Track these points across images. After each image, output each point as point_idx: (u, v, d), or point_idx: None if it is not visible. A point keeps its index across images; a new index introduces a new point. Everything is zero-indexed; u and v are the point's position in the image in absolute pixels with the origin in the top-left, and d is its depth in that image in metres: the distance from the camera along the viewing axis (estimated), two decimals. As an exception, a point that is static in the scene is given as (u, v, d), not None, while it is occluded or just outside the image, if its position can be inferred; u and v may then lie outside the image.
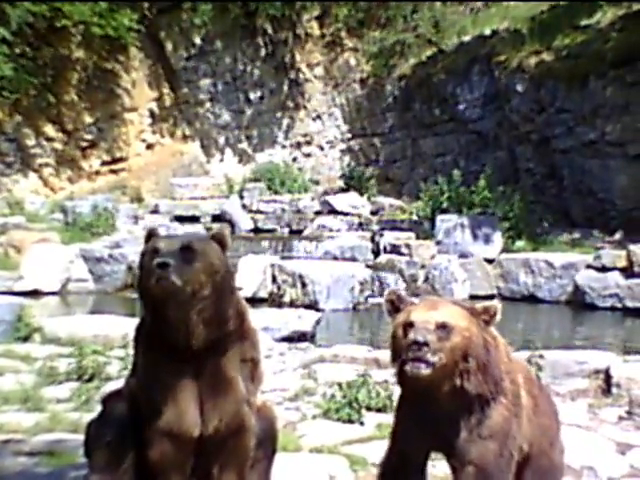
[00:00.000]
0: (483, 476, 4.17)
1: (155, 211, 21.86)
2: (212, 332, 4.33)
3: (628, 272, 15.58)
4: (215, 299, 4.31)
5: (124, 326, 9.73)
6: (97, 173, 23.91)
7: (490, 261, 17.29)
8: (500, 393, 4.20)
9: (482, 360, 4.10)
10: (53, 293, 16.73)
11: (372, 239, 19.24)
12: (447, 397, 4.14)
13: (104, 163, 24.00)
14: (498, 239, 17.70)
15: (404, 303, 4.26)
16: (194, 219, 21.71)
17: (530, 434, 4.43)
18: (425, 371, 3.95)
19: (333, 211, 22.15)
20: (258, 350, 4.71)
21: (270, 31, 25.53)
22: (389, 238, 18.63)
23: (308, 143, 26.35)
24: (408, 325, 4.06)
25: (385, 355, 4.91)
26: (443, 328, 4.02)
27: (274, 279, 16.12)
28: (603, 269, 15.87)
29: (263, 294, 16.02)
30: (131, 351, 4.75)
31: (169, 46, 25.01)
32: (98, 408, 4.86)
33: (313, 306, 14.85)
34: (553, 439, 4.67)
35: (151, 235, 4.48)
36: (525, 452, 4.47)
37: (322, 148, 26.39)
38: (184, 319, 4.24)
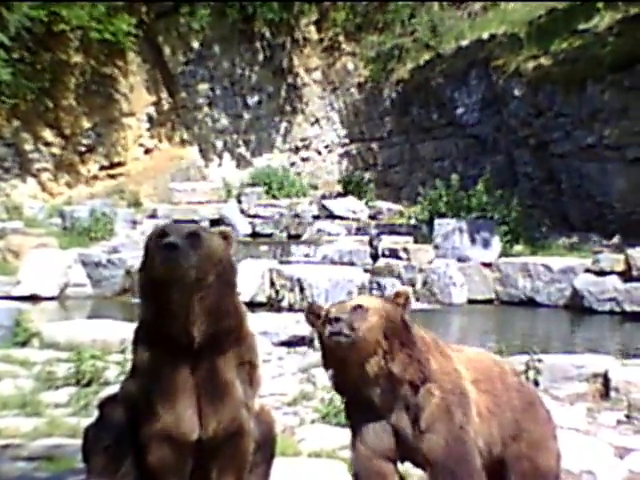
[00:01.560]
0: (438, 471, 4.22)
1: (153, 216, 21.85)
2: (211, 324, 4.33)
3: (626, 276, 15.57)
4: (217, 289, 4.33)
5: (122, 331, 9.73)
6: (95, 178, 23.91)
7: (488, 265, 17.28)
8: (429, 381, 4.29)
9: (403, 338, 4.28)
10: (51, 298, 16.70)
11: (370, 243, 19.23)
12: (380, 388, 4.26)
13: (102, 168, 24.00)
14: (496, 243, 17.69)
15: (319, 310, 4.48)
16: (192, 223, 21.67)
17: (489, 432, 4.42)
18: (344, 340, 4.18)
19: (331, 215, 22.16)
20: (256, 354, 4.71)
21: (268, 35, 25.56)
22: (387, 242, 18.63)
23: (306, 147, 26.37)
24: (328, 320, 4.28)
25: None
26: (359, 308, 4.25)
27: (272, 283, 16.11)
28: (601, 273, 15.86)
29: (261, 298, 16.00)
30: (129, 356, 4.74)
31: (167, 51, 25.03)
32: (96, 413, 4.86)
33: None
34: (536, 442, 4.63)
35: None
36: (495, 455, 4.46)
37: (320, 152, 26.41)
38: (186, 305, 4.24)
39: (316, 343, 11.74)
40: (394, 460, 4.41)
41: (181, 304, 4.25)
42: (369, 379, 4.25)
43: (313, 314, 4.49)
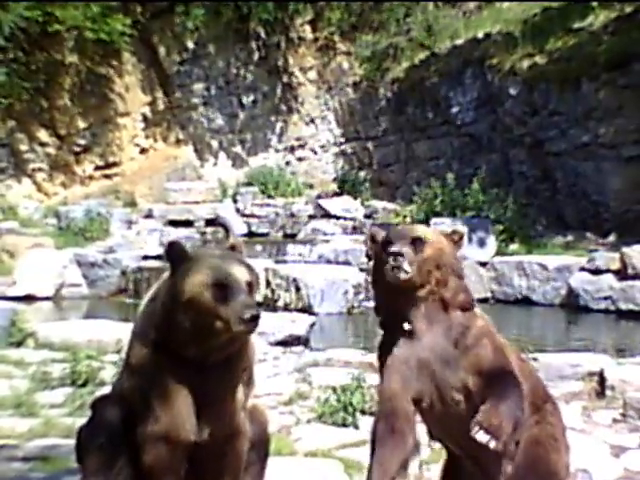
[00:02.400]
0: (488, 379, 4.36)
1: (149, 216, 21.83)
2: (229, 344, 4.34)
3: (622, 274, 15.58)
4: None
5: (118, 331, 9.75)
6: (90, 178, 23.89)
7: (484, 264, 17.30)
8: (473, 308, 4.56)
9: (456, 269, 4.57)
10: (47, 298, 16.72)
11: (366, 243, 19.23)
12: (426, 309, 4.46)
13: (97, 168, 23.98)
14: (492, 242, 17.71)
15: (382, 235, 4.65)
16: (188, 223, 21.68)
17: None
18: (403, 276, 4.36)
19: (327, 215, 22.15)
20: (253, 358, 4.72)
21: (263, 35, 25.54)
22: (383, 242, 18.60)
23: (301, 147, 26.36)
24: (387, 242, 4.50)
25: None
26: (418, 241, 4.46)
27: (268, 283, 16.12)
28: (597, 271, 15.88)
29: (257, 298, 15.99)
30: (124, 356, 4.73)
31: (162, 50, 25.00)
32: (89, 413, 4.85)
33: (307, 310, 14.85)
34: (558, 410, 4.76)
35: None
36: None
37: (315, 152, 26.39)
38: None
39: (312, 343, 11.77)
40: (419, 401, 4.47)
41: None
42: (419, 302, 4.46)
43: (372, 239, 4.66)
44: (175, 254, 4.33)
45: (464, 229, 4.83)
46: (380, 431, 4.45)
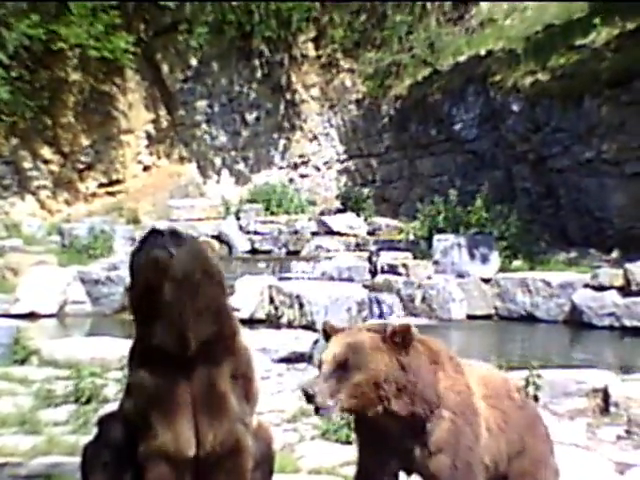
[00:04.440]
0: None
1: (152, 233, 21.81)
2: (205, 327, 4.34)
3: (625, 291, 15.54)
4: (207, 289, 4.36)
5: (121, 348, 9.69)
6: (94, 195, 23.94)
7: (487, 280, 17.27)
8: (437, 408, 4.23)
9: (401, 383, 4.16)
10: (50, 315, 16.69)
11: (369, 259, 19.22)
12: (386, 419, 4.20)
13: (101, 185, 24.03)
14: (495, 258, 17.68)
15: (334, 331, 4.34)
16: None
17: (497, 448, 4.43)
18: (331, 414, 4.11)
19: (330, 232, 22.16)
20: (251, 367, 4.69)
21: (266, 52, 25.62)
22: (386, 258, 18.61)
23: (305, 164, 26.40)
24: (319, 364, 4.22)
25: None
26: (344, 367, 4.09)
27: (271, 300, 16.09)
28: (600, 288, 15.84)
29: (261, 315, 15.99)
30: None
31: (165, 68, 25.09)
32: (95, 430, 4.85)
33: (311, 327, 14.81)
34: (537, 459, 4.65)
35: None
36: (501, 471, 4.47)
37: (319, 169, 26.43)
38: (177, 304, 4.26)
39: (315, 359, 11.75)
40: (397, 474, 4.42)
41: (172, 304, 4.25)
42: (377, 417, 4.21)
43: (326, 335, 4.40)
44: None
45: (408, 324, 4.28)
46: None
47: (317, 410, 4.09)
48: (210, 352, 4.40)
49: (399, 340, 4.18)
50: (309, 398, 4.06)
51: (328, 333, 4.35)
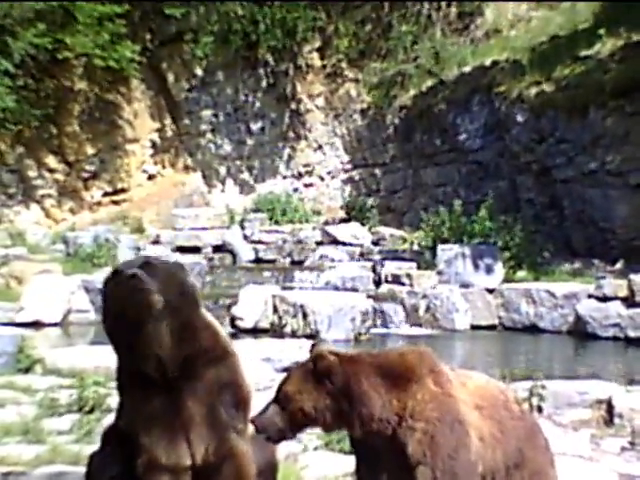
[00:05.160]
0: None
1: (156, 242, 21.86)
2: (181, 347, 4.35)
3: (630, 302, 15.54)
4: (182, 310, 4.37)
5: (125, 357, 9.70)
6: (99, 204, 23.98)
7: (491, 291, 17.27)
8: (401, 423, 4.26)
9: (336, 410, 4.29)
10: (54, 324, 16.70)
11: (373, 269, 19.22)
12: (371, 442, 4.33)
13: (106, 194, 24.07)
14: (499, 269, 17.68)
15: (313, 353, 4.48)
16: (195, 249, 21.71)
17: (492, 459, 4.41)
18: (282, 440, 4.36)
19: (334, 241, 22.16)
20: (237, 373, 4.70)
21: (271, 62, 25.65)
22: (390, 268, 18.62)
23: (309, 173, 26.42)
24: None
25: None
26: (283, 398, 4.31)
27: (275, 309, 16.09)
28: (604, 299, 15.83)
29: (264, 324, 15.99)
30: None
31: (170, 77, 25.14)
32: (99, 440, 4.85)
33: (314, 336, 14.82)
34: (537, 471, 4.64)
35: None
36: None
37: (323, 178, 26.45)
38: (156, 333, 4.25)
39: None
40: None
41: (148, 332, 4.27)
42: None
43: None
44: None
45: (321, 350, 4.42)
46: None
47: (268, 438, 4.31)
48: (192, 367, 4.43)
49: (319, 370, 4.30)
50: (258, 432, 4.30)
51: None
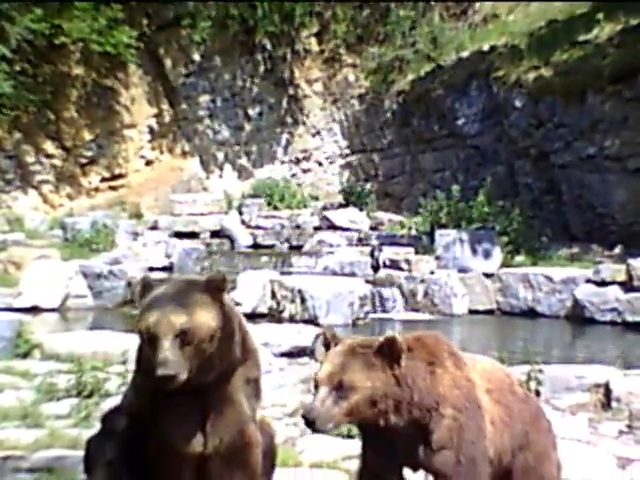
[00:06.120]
0: None
1: (154, 227, 21.85)
2: (216, 371, 4.35)
3: (627, 286, 15.56)
4: (218, 349, 4.33)
5: (123, 342, 9.75)
6: (96, 190, 23.94)
7: (489, 276, 17.27)
8: (438, 404, 4.24)
9: (398, 398, 4.17)
10: (52, 309, 16.69)
11: (371, 254, 19.21)
12: (386, 426, 4.20)
13: (103, 180, 24.03)
14: (497, 254, 17.68)
15: (334, 341, 4.33)
16: (193, 235, 21.71)
17: (500, 442, 4.44)
18: (327, 432, 4.30)
19: (332, 226, 22.16)
20: (260, 369, 4.73)
21: (269, 47, 25.61)
22: (388, 253, 18.61)
23: (307, 159, 26.40)
24: (315, 385, 4.20)
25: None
26: (340, 388, 4.09)
27: (273, 295, 16.10)
28: (602, 283, 15.85)
29: (263, 309, 15.99)
30: (130, 367, 4.74)
31: (168, 63, 25.07)
32: (98, 424, 4.86)
33: (313, 321, 14.83)
34: (541, 453, 4.66)
35: (145, 286, 4.46)
36: (505, 465, 4.48)
37: (321, 164, 26.44)
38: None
39: (318, 354, 11.75)
40: (401, 470, 4.43)
41: None
42: (379, 426, 4.23)
43: (326, 341, 4.39)
44: (140, 290, 4.45)
45: (395, 336, 4.22)
46: None
47: (316, 431, 4.16)
48: (224, 376, 4.45)
49: (388, 354, 4.17)
50: (309, 424, 4.08)
51: (327, 341, 4.36)
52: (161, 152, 25.19)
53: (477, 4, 25.43)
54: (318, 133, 26.37)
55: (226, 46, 25.29)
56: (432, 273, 17.38)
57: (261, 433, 4.67)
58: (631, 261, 15.65)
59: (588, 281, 16.14)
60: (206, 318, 4.26)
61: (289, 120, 26.23)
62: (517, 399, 4.64)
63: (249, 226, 22.41)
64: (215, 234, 22.05)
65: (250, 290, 16.05)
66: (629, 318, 15.39)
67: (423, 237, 19.53)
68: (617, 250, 17.98)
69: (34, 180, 22.99)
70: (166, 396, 4.31)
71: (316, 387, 4.17)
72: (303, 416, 4.11)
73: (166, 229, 21.62)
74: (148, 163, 24.93)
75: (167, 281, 4.55)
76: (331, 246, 20.78)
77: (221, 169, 25.86)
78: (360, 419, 4.17)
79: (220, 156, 25.84)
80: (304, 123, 26.30)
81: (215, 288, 4.39)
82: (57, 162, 23.31)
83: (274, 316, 15.71)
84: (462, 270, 17.36)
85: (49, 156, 23.21)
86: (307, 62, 26.04)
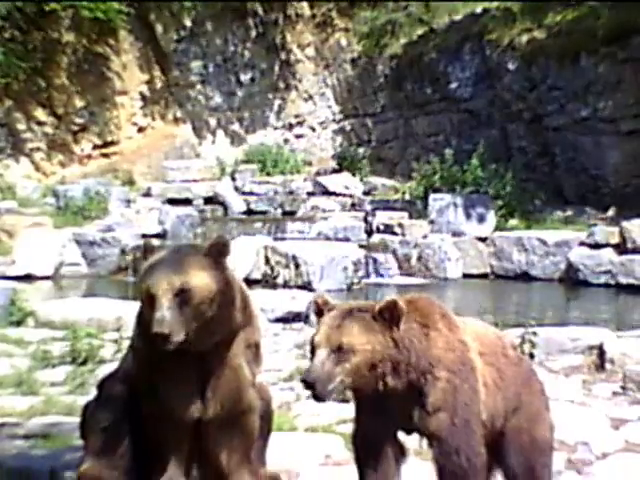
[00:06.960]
0: (444, 445, 4.23)
1: (147, 194, 21.80)
2: (216, 335, 4.34)
3: (621, 248, 15.61)
4: (218, 312, 4.29)
5: (117, 309, 9.77)
6: (89, 157, 23.83)
7: (483, 239, 17.30)
8: (433, 367, 4.23)
9: (396, 360, 4.14)
10: (46, 277, 16.71)
11: (365, 219, 19.22)
12: (384, 390, 4.18)
13: (96, 147, 23.92)
14: (491, 217, 17.70)
15: (327, 307, 4.31)
16: (186, 202, 21.66)
17: (493, 405, 4.44)
18: (329, 399, 4.09)
19: (326, 192, 22.14)
20: (260, 333, 4.74)
21: (260, 12, 25.45)
22: (382, 218, 18.62)
23: (300, 124, 26.31)
24: (312, 348, 4.15)
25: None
26: (339, 351, 4.05)
27: (267, 260, 16.11)
28: (596, 246, 15.89)
29: (257, 275, 16.00)
30: (125, 334, 4.74)
31: (159, 28, 24.89)
32: (93, 391, 4.86)
33: (307, 287, 14.86)
34: (534, 415, 4.68)
35: (147, 250, 4.45)
36: (498, 427, 4.49)
37: (314, 129, 26.35)
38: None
39: (312, 319, 11.77)
40: (396, 433, 4.43)
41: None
42: (376, 390, 4.20)
43: (319, 309, 4.36)
44: (142, 254, 4.46)
45: (394, 299, 4.16)
46: None
47: (316, 397, 4.07)
48: (225, 341, 4.44)
49: (388, 317, 4.15)
50: (309, 386, 4.04)
51: (320, 307, 4.33)
52: (153, 119, 25.06)
53: (470, -34, 25.27)
54: (311, 98, 26.27)
55: (217, 11, 25.11)
56: (426, 237, 17.40)
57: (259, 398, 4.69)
58: (625, 223, 15.67)
59: (582, 244, 16.18)
60: (207, 280, 4.24)
61: (281, 85, 26.11)
62: (509, 362, 4.64)
63: (242, 192, 22.35)
64: (208, 200, 21.98)
65: (244, 256, 16.04)
66: (623, 280, 15.44)
67: (417, 201, 19.54)
68: (610, 212, 18.00)
69: (26, 148, 22.88)
70: (166, 361, 4.30)
71: (312, 351, 4.14)
72: (302, 380, 4.07)
73: (159, 196, 21.57)
74: (140, 130, 24.82)
75: (169, 247, 4.54)
76: (324, 211, 20.78)
77: (214, 135, 25.76)
78: (359, 382, 4.13)
79: (212, 122, 25.74)
80: (296, 88, 26.19)
81: (217, 253, 4.36)
82: (49, 129, 23.19)
83: (268, 282, 15.74)
84: (456, 234, 17.38)
85: (40, 123, 23.08)
86: (299, 26, 25.89)
